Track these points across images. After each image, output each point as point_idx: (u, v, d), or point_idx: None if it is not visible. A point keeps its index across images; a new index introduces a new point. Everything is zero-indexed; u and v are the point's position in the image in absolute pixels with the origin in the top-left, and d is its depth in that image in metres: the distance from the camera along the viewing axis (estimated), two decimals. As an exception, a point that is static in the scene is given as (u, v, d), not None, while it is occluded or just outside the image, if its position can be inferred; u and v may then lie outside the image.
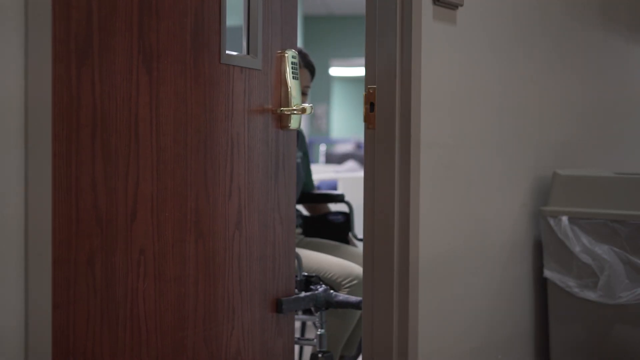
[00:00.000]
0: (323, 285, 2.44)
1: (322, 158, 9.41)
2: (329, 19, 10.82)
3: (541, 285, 2.89)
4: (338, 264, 2.61)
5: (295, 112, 1.99)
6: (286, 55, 1.98)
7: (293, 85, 1.98)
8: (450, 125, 2.42)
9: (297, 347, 3.19)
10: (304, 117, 2.16)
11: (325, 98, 11.32)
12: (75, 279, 1.50)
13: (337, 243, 2.91)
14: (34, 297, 1.40)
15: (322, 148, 9.84)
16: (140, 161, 1.61)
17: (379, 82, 2.27)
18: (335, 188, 4.37)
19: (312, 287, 2.47)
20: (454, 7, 2.37)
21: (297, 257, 2.53)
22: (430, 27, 2.28)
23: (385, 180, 2.27)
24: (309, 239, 2.96)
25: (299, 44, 8.65)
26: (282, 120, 1.99)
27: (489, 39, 2.59)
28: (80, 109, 1.50)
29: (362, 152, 3.80)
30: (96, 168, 1.53)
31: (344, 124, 13.40)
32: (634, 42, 3.56)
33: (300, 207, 3.20)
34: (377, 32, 2.26)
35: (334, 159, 8.33)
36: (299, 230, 2.96)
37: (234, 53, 1.87)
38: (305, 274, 2.54)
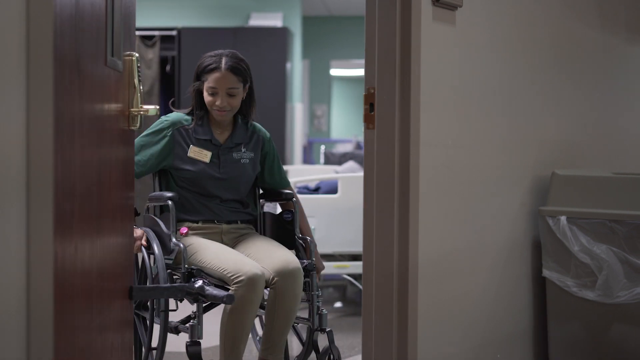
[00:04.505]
0: (201, 280, 2.55)
1: (322, 158, 9.40)
2: (329, 19, 10.82)
3: (540, 285, 2.90)
4: (233, 260, 2.67)
5: (141, 112, 2.08)
6: (133, 58, 2.06)
7: (138, 87, 2.05)
8: (450, 125, 2.43)
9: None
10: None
11: (325, 98, 11.32)
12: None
13: (267, 239, 2.95)
14: (35, 294, 1.41)
15: (322, 148, 9.84)
16: (76, 161, 1.67)
17: (378, 82, 2.28)
18: (335, 188, 4.37)
19: (193, 279, 2.57)
20: (454, 7, 2.38)
21: (184, 249, 2.62)
22: (429, 27, 2.29)
23: (385, 180, 2.28)
24: (245, 232, 3.01)
25: (298, 44, 8.64)
26: (129, 120, 2.08)
27: (488, 39, 2.60)
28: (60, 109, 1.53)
29: (362, 152, 3.80)
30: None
31: (344, 124, 13.39)
32: (633, 43, 3.57)
33: (273, 204, 3.30)
34: (377, 32, 2.27)
35: (334, 159, 8.31)
36: (242, 225, 3.03)
37: (112, 57, 1.94)
38: (193, 267, 2.63)
